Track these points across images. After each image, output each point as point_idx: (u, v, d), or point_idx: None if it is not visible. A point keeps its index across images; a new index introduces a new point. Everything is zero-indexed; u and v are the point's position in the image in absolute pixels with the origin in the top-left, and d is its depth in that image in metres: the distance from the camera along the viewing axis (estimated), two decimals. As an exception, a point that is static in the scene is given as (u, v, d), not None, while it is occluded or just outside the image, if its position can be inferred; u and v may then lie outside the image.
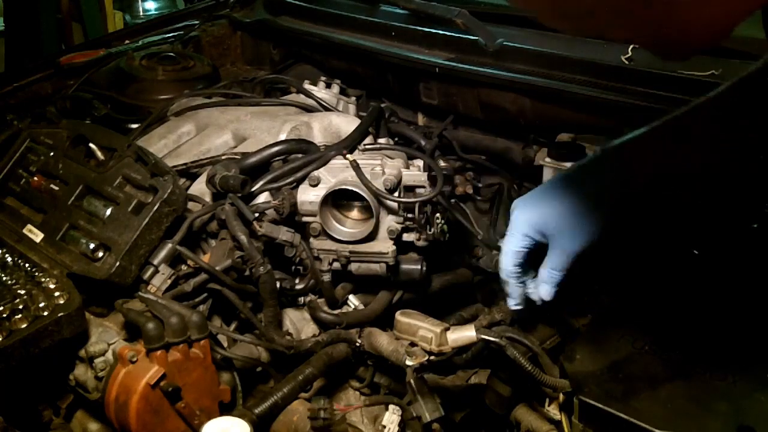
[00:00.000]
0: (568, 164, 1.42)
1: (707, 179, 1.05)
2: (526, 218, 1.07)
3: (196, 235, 1.35)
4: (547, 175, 1.46)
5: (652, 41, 0.66)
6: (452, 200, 1.50)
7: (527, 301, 1.15)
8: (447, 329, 1.12)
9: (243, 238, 1.22)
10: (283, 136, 1.49)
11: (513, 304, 1.16)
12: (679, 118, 1.02)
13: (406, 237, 1.31)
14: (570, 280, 1.08)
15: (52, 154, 1.41)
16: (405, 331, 1.13)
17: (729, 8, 0.59)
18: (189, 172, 1.46)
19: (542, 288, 1.10)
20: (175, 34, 2.20)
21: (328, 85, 1.76)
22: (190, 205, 1.35)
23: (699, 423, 0.95)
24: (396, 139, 1.60)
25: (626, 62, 1.45)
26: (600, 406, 0.99)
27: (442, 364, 1.24)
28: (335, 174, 1.32)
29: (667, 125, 1.03)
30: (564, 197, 1.05)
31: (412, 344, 1.12)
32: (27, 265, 1.25)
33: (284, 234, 1.25)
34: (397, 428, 1.21)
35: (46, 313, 1.13)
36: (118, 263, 1.20)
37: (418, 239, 1.31)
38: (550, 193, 1.08)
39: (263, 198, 1.33)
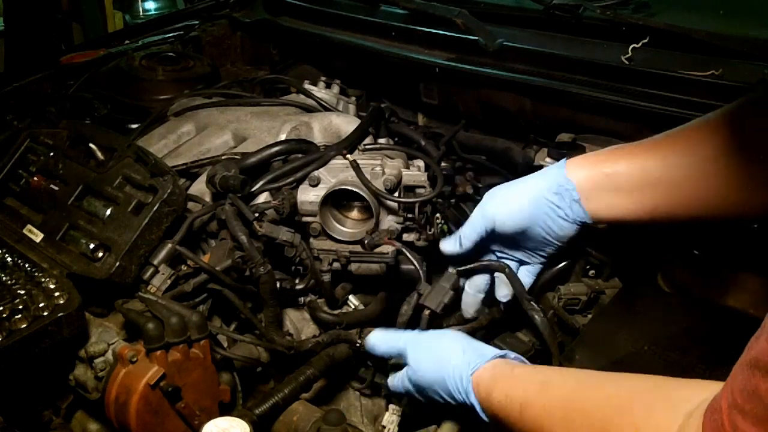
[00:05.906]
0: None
1: None
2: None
3: (196, 235, 1.35)
4: (548, 174, 1.46)
5: None
6: (452, 200, 1.50)
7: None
8: None
9: (243, 238, 1.22)
10: (283, 136, 1.49)
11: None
12: None
13: (406, 237, 1.31)
14: None
15: (52, 154, 1.41)
16: None
17: None
18: (189, 172, 1.46)
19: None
20: (175, 34, 2.20)
21: (328, 85, 1.76)
22: (190, 205, 1.35)
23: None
24: (396, 139, 1.60)
25: (626, 62, 1.45)
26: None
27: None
28: (335, 174, 1.32)
29: None
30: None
31: None
32: (27, 265, 1.25)
33: (284, 234, 1.25)
34: (396, 428, 1.21)
35: (45, 313, 1.12)
36: (118, 263, 1.20)
37: (418, 239, 1.31)
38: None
39: (263, 198, 1.32)
